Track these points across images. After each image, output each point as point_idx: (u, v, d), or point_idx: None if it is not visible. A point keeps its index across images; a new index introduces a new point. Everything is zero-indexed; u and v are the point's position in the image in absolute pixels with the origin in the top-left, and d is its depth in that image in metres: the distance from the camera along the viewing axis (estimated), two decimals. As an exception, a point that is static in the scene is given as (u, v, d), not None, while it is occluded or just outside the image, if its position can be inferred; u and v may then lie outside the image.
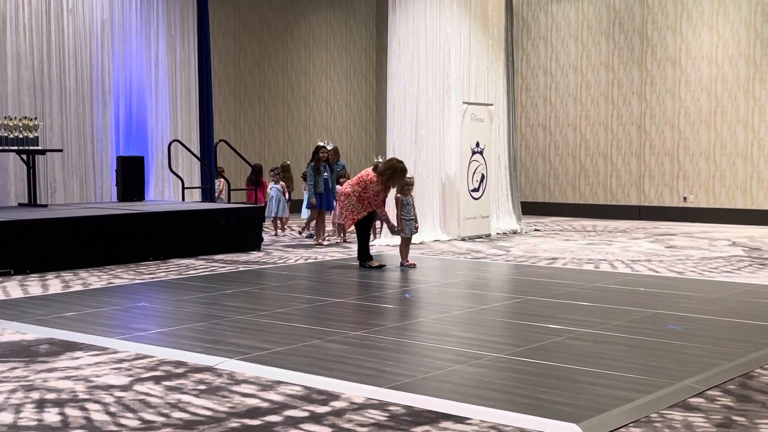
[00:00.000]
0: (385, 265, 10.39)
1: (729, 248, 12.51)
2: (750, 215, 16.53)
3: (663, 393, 4.83)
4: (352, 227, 10.73)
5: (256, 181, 15.66)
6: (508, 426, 4.29)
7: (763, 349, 5.94)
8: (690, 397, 4.79)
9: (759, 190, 16.45)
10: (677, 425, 4.31)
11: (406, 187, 10.40)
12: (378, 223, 13.59)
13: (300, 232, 14.18)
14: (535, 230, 15.58)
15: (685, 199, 17.34)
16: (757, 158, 16.44)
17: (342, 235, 13.73)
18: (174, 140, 15.17)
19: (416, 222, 10.53)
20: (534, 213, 18.78)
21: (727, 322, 6.96)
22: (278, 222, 15.06)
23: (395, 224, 10.48)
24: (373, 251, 11.13)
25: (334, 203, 13.22)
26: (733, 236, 14.26)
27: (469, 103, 14.16)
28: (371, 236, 13.83)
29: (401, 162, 10.42)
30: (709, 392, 4.91)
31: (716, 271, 10.08)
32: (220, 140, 16.21)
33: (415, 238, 11.54)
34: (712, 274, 9.84)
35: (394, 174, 10.20)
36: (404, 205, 10.39)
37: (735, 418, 4.44)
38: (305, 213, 13.87)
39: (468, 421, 4.37)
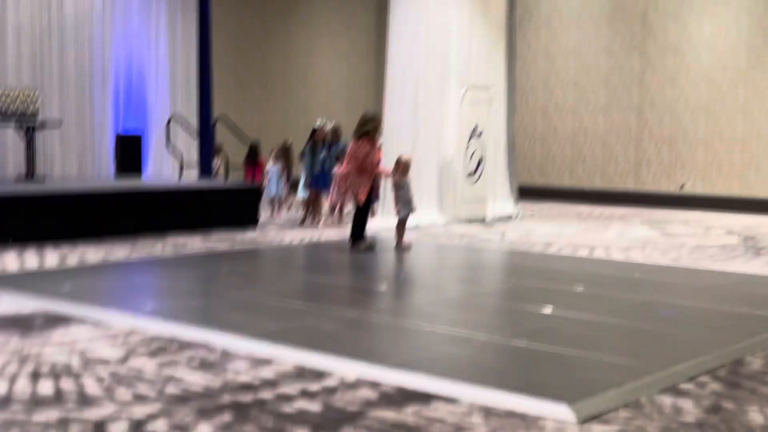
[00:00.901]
0: (374, 246, 10.41)
1: (724, 236, 12.54)
2: (747, 204, 16.56)
3: (654, 378, 4.87)
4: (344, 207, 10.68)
5: (253, 159, 15.62)
6: (498, 407, 4.32)
7: (755, 337, 5.98)
8: (680, 383, 4.83)
9: (756, 179, 16.47)
10: (666, 410, 4.35)
11: (403, 168, 10.40)
12: (375, 205, 13.61)
13: (302, 222, 13.74)
14: (531, 215, 15.61)
15: (682, 186, 17.36)
16: (756, 147, 16.45)
17: (339, 216, 13.75)
18: (173, 116, 15.14)
19: (412, 204, 10.51)
20: (531, 197, 18.78)
21: (720, 310, 6.99)
22: (275, 203, 15.07)
23: (389, 172, 10.40)
24: (368, 232, 11.14)
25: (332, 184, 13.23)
26: (729, 224, 14.29)
27: (469, 86, 14.14)
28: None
29: (371, 111, 10.59)
30: (700, 378, 4.94)
31: (711, 259, 10.11)
32: (220, 114, 16.14)
33: (410, 221, 11.55)
34: (707, 262, 9.87)
35: (366, 121, 10.22)
36: (401, 188, 10.40)
37: (724, 404, 4.47)
38: (302, 193, 13.85)
39: (458, 402, 4.40)
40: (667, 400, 4.51)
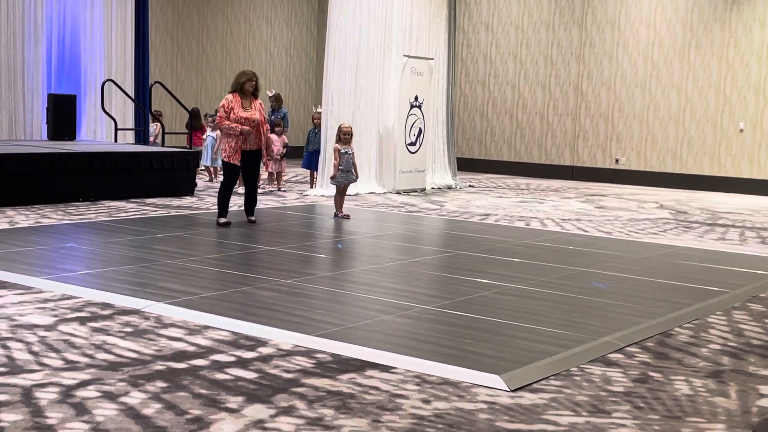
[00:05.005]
0: (230, 223, 9.28)
1: (656, 210, 12.79)
2: (679, 179, 16.89)
3: (584, 348, 4.96)
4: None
5: (191, 125, 15.36)
6: (432, 375, 4.36)
7: (683, 309, 6.12)
8: (610, 353, 4.93)
9: (689, 155, 16.80)
10: (596, 379, 4.43)
11: (343, 136, 10.36)
12: (315, 173, 13.57)
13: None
14: (470, 186, 15.71)
15: (617, 161, 17.62)
16: (689, 123, 16.76)
17: (277, 183, 13.66)
18: (108, 80, 14.82)
19: (353, 174, 10.44)
20: (469, 169, 18.91)
21: (650, 282, 7.14)
22: (213, 169, 14.89)
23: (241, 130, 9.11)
24: (307, 201, 11.10)
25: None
26: (661, 199, 14.57)
27: (409, 56, 14.12)
28: (309, 185, 13.77)
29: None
30: (629, 348, 5.05)
31: (643, 233, 10.31)
32: (156, 82, 15.89)
33: (350, 190, 11.54)
34: (639, 236, 10.06)
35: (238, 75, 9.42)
36: (342, 155, 10.36)
37: (651, 373, 4.58)
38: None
39: (393, 370, 4.42)
40: (596, 370, 4.59)
